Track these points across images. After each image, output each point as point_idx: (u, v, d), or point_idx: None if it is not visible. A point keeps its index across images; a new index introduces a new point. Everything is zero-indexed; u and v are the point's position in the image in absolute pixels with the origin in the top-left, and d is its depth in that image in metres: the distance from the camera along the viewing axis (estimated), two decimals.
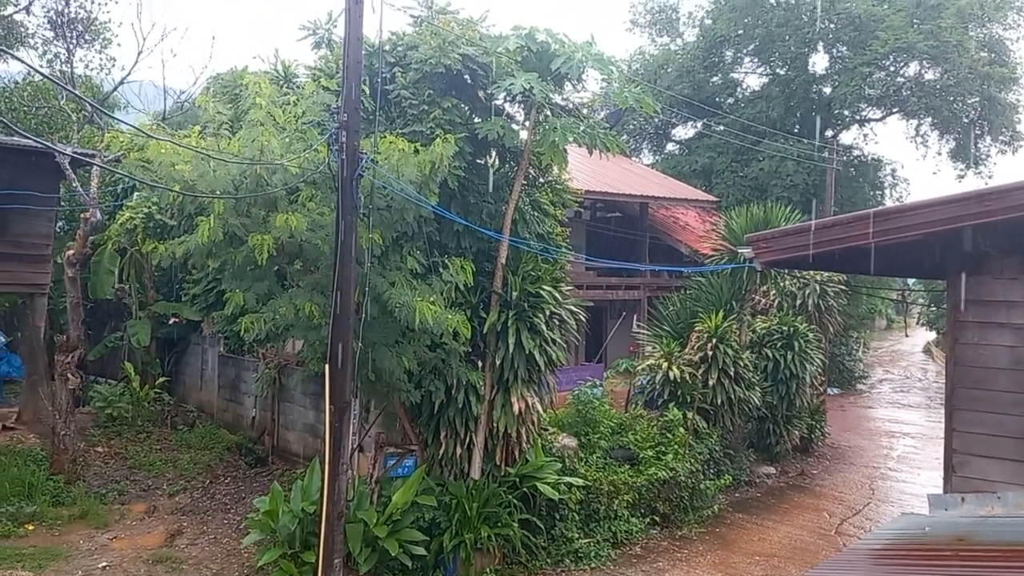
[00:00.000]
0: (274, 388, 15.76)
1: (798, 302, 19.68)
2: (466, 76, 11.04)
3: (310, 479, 10.58)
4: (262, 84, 9.12)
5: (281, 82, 12.99)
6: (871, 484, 18.06)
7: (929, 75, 31.10)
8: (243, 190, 8.79)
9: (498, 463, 11.67)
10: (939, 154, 34.05)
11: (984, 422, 6.84)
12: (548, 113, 11.26)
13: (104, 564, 11.07)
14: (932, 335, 54.40)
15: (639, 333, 19.00)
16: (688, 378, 15.59)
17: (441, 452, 11.33)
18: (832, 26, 31.98)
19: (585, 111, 11.67)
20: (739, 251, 6.94)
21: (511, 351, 11.18)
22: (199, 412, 18.21)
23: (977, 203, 5.94)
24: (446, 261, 10.23)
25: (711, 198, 28.66)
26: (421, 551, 10.39)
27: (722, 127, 32.30)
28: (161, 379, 18.01)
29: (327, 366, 8.93)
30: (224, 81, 13.09)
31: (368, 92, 9.35)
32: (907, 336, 66.80)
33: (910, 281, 40.27)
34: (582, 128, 10.95)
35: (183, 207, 10.04)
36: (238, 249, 9.07)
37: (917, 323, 64.97)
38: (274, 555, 9.90)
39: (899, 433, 24.59)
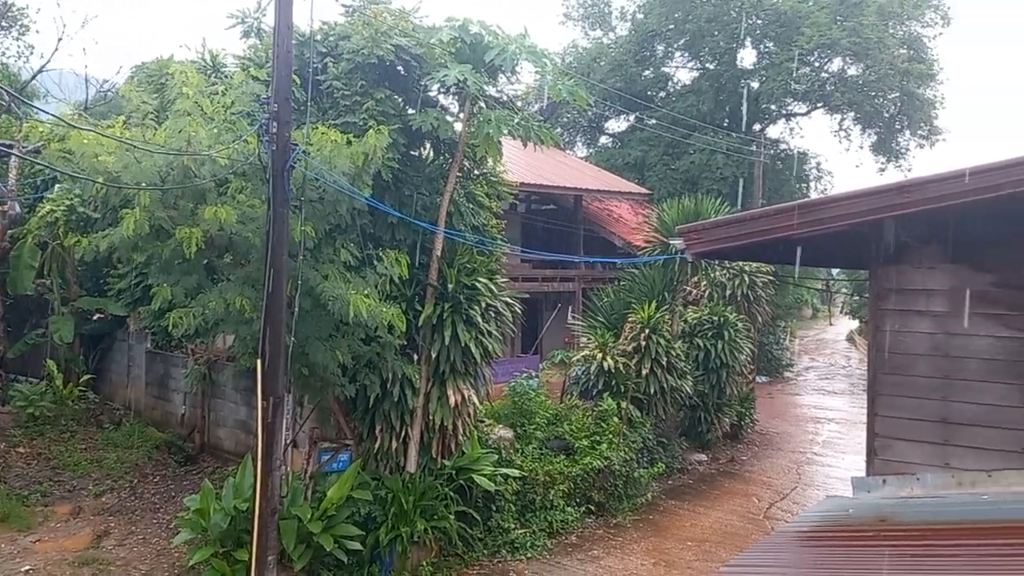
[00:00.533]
0: (204, 384, 15.42)
1: (728, 292, 20.10)
2: (399, 67, 10.94)
3: (242, 476, 10.39)
4: (189, 73, 8.88)
5: (209, 72, 12.69)
6: (798, 469, 18.58)
7: (852, 71, 32.03)
8: (170, 182, 8.56)
9: (434, 456, 11.65)
10: (861, 148, 35.12)
11: (904, 406, 7.08)
12: (482, 105, 11.23)
13: (27, 568, 10.71)
14: (855, 324, 56.10)
15: (574, 324, 19.15)
16: (622, 368, 15.78)
17: (376, 446, 11.25)
18: (759, 22, 32.67)
19: (519, 103, 11.67)
20: (671, 243, 7.04)
21: (447, 344, 11.16)
22: (126, 410, 17.70)
23: (897, 195, 6.14)
24: (380, 254, 10.14)
25: (644, 191, 29.03)
26: (357, 546, 10.31)
27: (654, 121, 32.74)
28: (86, 377, 17.44)
29: (259, 361, 8.78)
30: (149, 70, 12.73)
31: (299, 82, 9.18)
32: (831, 325, 68.66)
33: (834, 271, 41.47)
34: (516, 120, 10.97)
35: (107, 199, 9.72)
36: (165, 242, 8.83)
37: (841, 312, 66.90)
38: (205, 554, 9.70)
39: (824, 419, 25.32)
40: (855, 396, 31.31)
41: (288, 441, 10.88)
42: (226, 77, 11.91)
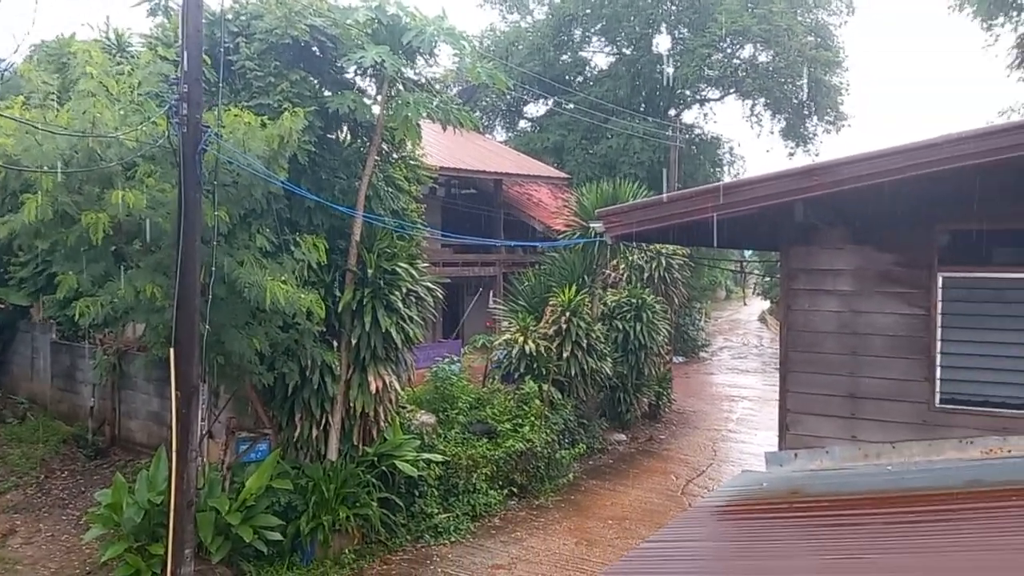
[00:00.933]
0: (114, 375, 14.90)
1: (646, 275, 20.43)
2: (314, 48, 10.73)
3: (156, 468, 10.11)
4: (93, 52, 8.51)
5: (114, 51, 12.22)
6: (713, 446, 19.09)
7: (762, 57, 32.83)
8: (74, 165, 8.20)
9: (356, 443, 11.55)
10: (772, 133, 36.09)
11: (814, 383, 7.36)
12: (400, 87, 11.12)
13: None
14: (767, 304, 57.78)
15: (496, 309, 19.20)
16: (543, 351, 15.91)
17: (296, 434, 11.09)
18: (674, 8, 33.19)
19: (438, 86, 11.58)
20: (591, 226, 7.11)
21: (367, 329, 11.05)
22: (31, 404, 16.96)
23: (806, 178, 6.35)
24: (298, 239, 9.96)
25: (563, 175, 29.24)
26: (277, 536, 10.16)
27: (572, 105, 32.94)
28: None
29: (172, 350, 8.53)
30: (49, 49, 12.18)
31: (210, 62, 8.90)
32: (745, 305, 70.53)
33: (747, 253, 42.59)
34: (435, 103, 10.89)
35: (6, 184, 9.25)
36: (70, 229, 8.47)
37: (753, 293, 68.78)
38: (119, 549, 9.41)
39: (738, 397, 26.05)
40: (767, 374, 32.27)
41: (204, 432, 10.64)
42: (132, 57, 11.47)
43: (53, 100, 8.61)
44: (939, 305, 6.79)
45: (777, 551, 5.11)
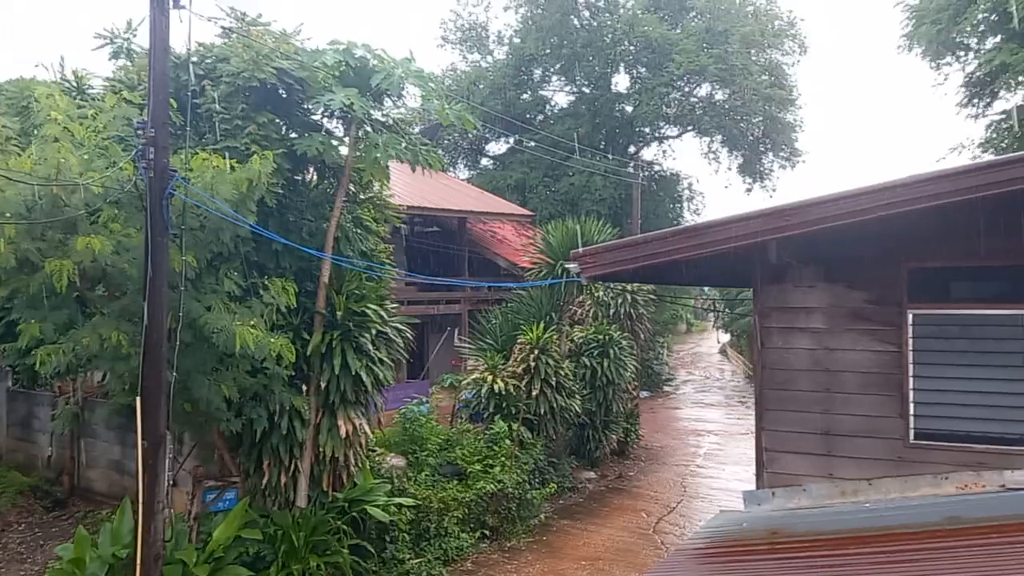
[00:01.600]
0: (74, 423, 14.50)
1: (611, 311, 20.51)
2: (281, 91, 10.68)
3: (120, 521, 9.81)
4: (57, 96, 8.39)
5: (74, 93, 12.06)
6: (683, 482, 19.07)
7: (719, 95, 33.54)
8: (37, 211, 8.03)
9: (325, 488, 11.33)
10: (730, 169, 36.77)
11: (789, 420, 7.41)
12: (368, 129, 11.10)
13: None
14: (727, 337, 58.35)
15: (462, 347, 19.11)
16: (512, 390, 15.84)
17: (264, 481, 10.86)
18: (632, 48, 33.77)
19: (404, 127, 11.58)
20: (566, 266, 7.14)
21: (337, 372, 10.90)
22: None
23: (779, 218, 6.44)
24: (266, 282, 9.83)
25: (526, 212, 29.37)
26: None
27: (533, 143, 33.24)
28: None
29: (138, 399, 8.33)
30: (8, 93, 11.96)
31: (175, 106, 8.81)
32: (708, 339, 71.17)
33: (706, 288, 43.05)
34: (404, 144, 10.88)
35: None
36: (32, 276, 8.28)
37: (713, 327, 69.46)
38: None
39: (704, 431, 26.13)
40: (730, 408, 32.51)
41: (169, 481, 10.36)
42: (92, 99, 11.33)
43: (15, 144, 8.46)
44: (910, 341, 6.89)
45: None
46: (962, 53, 21.44)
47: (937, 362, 6.83)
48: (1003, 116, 20.49)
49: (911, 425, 6.90)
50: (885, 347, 6.99)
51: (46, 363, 8.99)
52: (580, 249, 7.19)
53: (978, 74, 20.65)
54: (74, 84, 12.57)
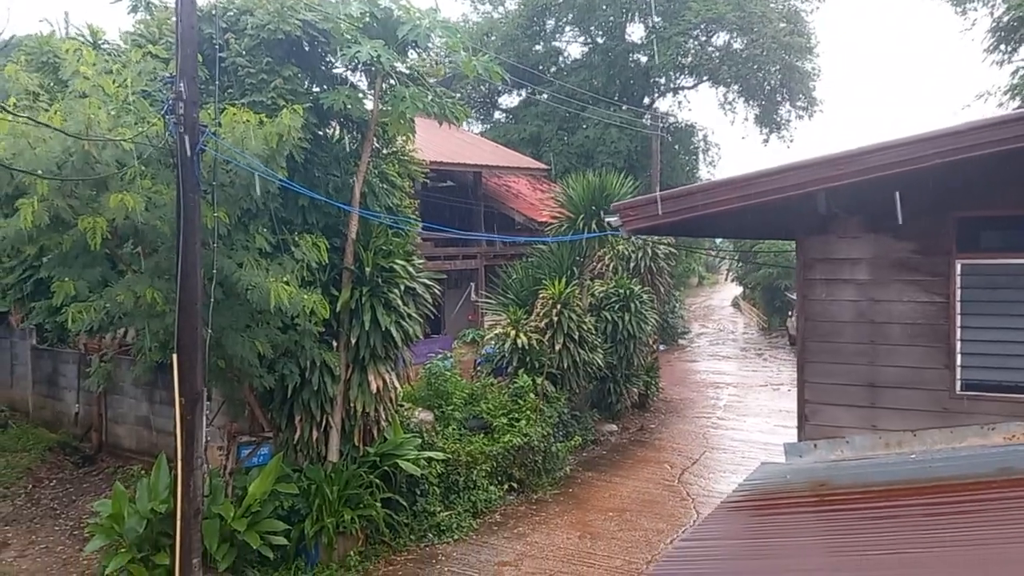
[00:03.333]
0: (107, 381, 14.57)
1: (631, 265, 20.41)
2: (305, 43, 10.52)
3: (157, 477, 9.88)
4: (85, 51, 8.25)
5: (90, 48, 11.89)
6: (704, 434, 19.15)
7: (737, 44, 32.94)
8: (67, 168, 7.95)
9: (356, 443, 11.39)
10: (746, 120, 36.45)
11: (833, 372, 7.35)
12: (393, 82, 10.93)
13: None
14: (739, 290, 58.25)
15: (481, 302, 19.08)
16: (536, 344, 15.83)
17: (296, 437, 10.90)
18: None
19: (431, 80, 11.39)
20: (607, 219, 7.03)
21: (367, 328, 10.88)
22: (11, 411, 16.56)
23: (830, 167, 6.30)
24: (296, 239, 9.77)
25: (542, 166, 29.12)
26: (282, 541, 10.01)
27: (546, 96, 32.82)
28: None
29: (175, 356, 8.33)
30: (28, 48, 11.80)
31: (201, 60, 8.67)
32: (717, 292, 71.13)
33: (718, 241, 42.75)
34: (430, 97, 10.72)
35: None
36: (65, 233, 8.23)
37: (726, 280, 69.32)
38: (122, 560, 9.18)
39: (722, 384, 26.19)
40: (746, 360, 32.59)
41: (206, 437, 10.42)
42: (109, 54, 11.16)
43: (44, 102, 8.35)
44: (958, 292, 6.79)
45: (821, 546, 5.08)
46: None
47: (985, 312, 6.73)
48: None
49: (957, 376, 6.82)
50: (932, 298, 6.90)
51: (78, 320, 9.01)
52: (622, 201, 7.08)
53: (1005, 19, 20.19)
54: (89, 39, 12.38)
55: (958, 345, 6.82)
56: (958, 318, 6.81)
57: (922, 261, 6.95)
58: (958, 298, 6.80)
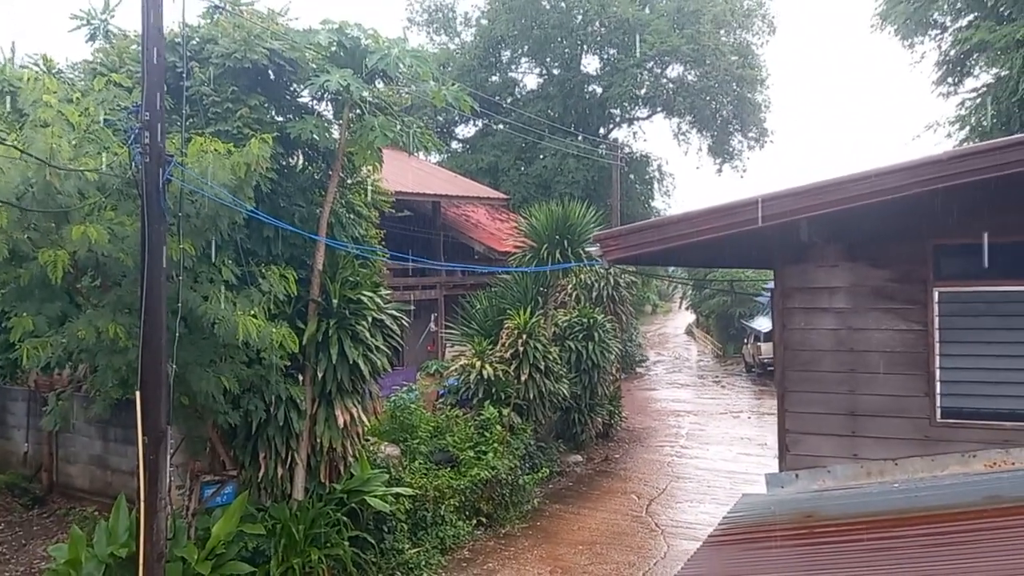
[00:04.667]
0: (66, 419, 13.96)
1: (594, 294, 20.40)
2: (271, 72, 10.34)
3: (116, 519, 9.47)
4: (46, 79, 7.98)
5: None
6: (669, 463, 19.13)
7: (690, 76, 33.53)
8: (27, 200, 7.65)
9: (323, 480, 11.08)
10: (700, 150, 36.91)
11: (813, 401, 7.34)
12: (359, 112, 10.80)
13: None
14: (692, 318, 58.88)
15: (445, 332, 18.90)
16: (501, 375, 15.69)
17: (260, 474, 10.55)
18: (603, 29, 33.61)
19: (396, 109, 11.27)
20: (587, 249, 6.96)
21: (334, 361, 10.63)
22: None
23: (812, 196, 6.33)
24: (263, 270, 9.52)
25: (502, 196, 29.15)
26: None
27: (503, 126, 32.96)
28: None
29: (138, 393, 8.01)
30: None
31: (166, 88, 8.44)
32: (671, 320, 71.79)
33: (670, 269, 43.17)
34: (399, 127, 10.60)
35: None
36: (22, 267, 7.90)
37: (680, 308, 70.01)
38: None
39: (682, 412, 26.27)
40: (703, 388, 32.80)
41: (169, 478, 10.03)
42: (64, 83, 10.86)
43: (1, 131, 8.05)
44: (936, 320, 6.85)
45: None
46: (936, 32, 21.60)
47: (963, 340, 6.80)
48: (975, 94, 20.68)
49: (938, 404, 6.86)
50: (910, 326, 6.94)
51: (33, 357, 8.64)
52: (603, 232, 7.02)
53: (952, 52, 20.82)
54: (43, 68, 12.05)
55: (937, 373, 6.87)
56: (937, 346, 6.86)
57: (899, 289, 7.00)
58: (936, 326, 6.86)
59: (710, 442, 21.39)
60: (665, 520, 14.67)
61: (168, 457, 8.38)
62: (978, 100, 19.87)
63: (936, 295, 6.85)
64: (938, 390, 6.86)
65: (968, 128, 19.96)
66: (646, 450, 20.43)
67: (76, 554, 9.09)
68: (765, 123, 35.69)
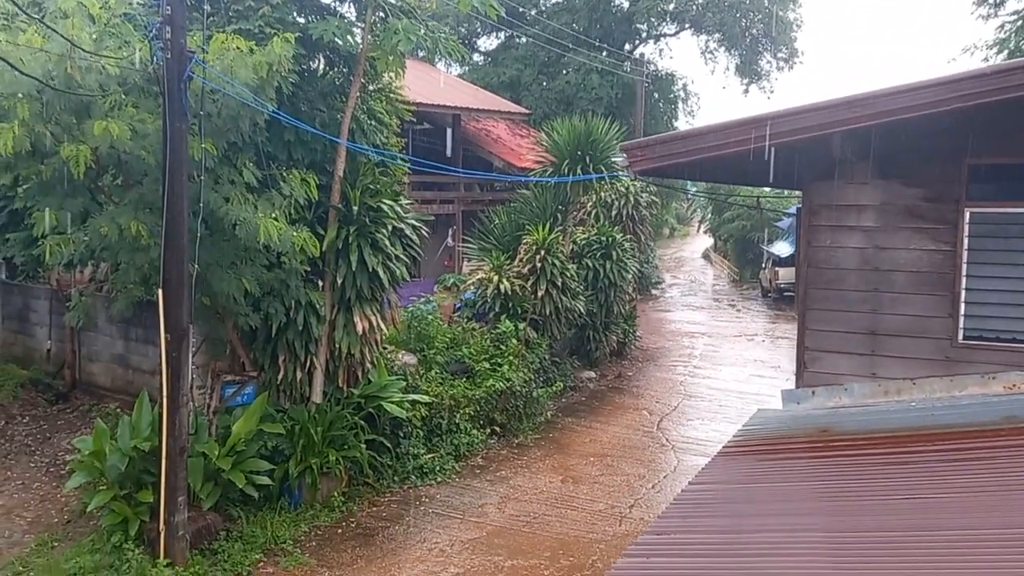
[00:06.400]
0: (88, 316, 14.15)
1: (614, 212, 20.24)
2: None
3: (139, 414, 9.66)
4: None
5: None
6: (681, 382, 19.25)
7: None
8: (47, 93, 7.57)
9: (340, 385, 11.25)
10: (727, 69, 36.03)
11: (834, 320, 7.31)
12: (383, 14, 10.55)
13: None
14: (710, 242, 58.47)
15: (463, 246, 18.87)
16: (518, 290, 15.70)
17: (280, 377, 10.73)
18: None
19: (421, 14, 10.98)
20: (613, 159, 6.84)
21: (353, 269, 10.66)
22: None
23: (847, 109, 6.17)
24: (284, 174, 9.47)
25: (523, 110, 28.67)
26: (266, 480, 9.89)
27: (526, 39, 32.19)
28: None
29: (160, 291, 8.10)
30: None
31: None
32: (688, 244, 71.39)
33: (691, 189, 42.74)
34: (423, 31, 10.36)
35: None
36: (44, 162, 7.88)
37: (698, 231, 69.48)
38: (105, 497, 8.99)
39: (696, 333, 26.31)
40: (718, 311, 32.80)
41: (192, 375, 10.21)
42: None
43: (22, 21, 7.91)
44: (965, 241, 6.75)
45: (832, 492, 5.05)
46: None
47: (991, 261, 6.71)
48: (1016, 16, 19.96)
49: (960, 325, 6.82)
50: (939, 246, 6.85)
51: (55, 254, 8.72)
52: (631, 141, 6.90)
53: None
54: None
55: (962, 294, 6.81)
56: (964, 267, 6.78)
57: (931, 208, 6.88)
58: (965, 247, 6.77)
59: (723, 363, 21.49)
60: (676, 436, 14.85)
61: (190, 355, 8.52)
62: (1019, 23, 19.19)
63: (967, 215, 6.74)
64: (962, 311, 6.81)
65: (1007, 52, 19.34)
66: (659, 369, 20.58)
67: (100, 446, 9.31)
68: (796, 42, 34.72)
